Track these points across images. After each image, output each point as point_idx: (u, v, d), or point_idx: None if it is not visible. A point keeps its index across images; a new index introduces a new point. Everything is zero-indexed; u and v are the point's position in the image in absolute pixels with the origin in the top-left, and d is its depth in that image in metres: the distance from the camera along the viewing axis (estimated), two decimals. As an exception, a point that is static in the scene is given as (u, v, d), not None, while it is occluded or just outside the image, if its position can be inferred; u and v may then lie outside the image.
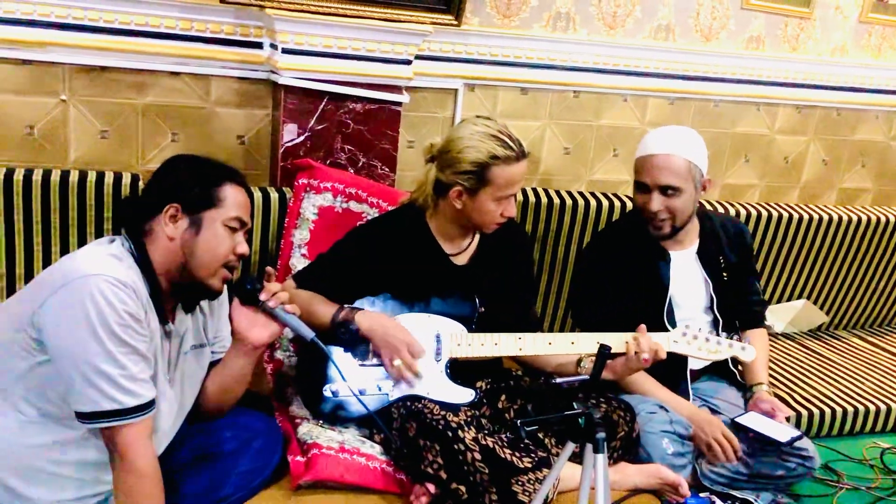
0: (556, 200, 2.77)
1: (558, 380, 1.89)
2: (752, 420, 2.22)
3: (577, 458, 1.67)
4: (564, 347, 2.08)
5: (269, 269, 1.82)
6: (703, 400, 2.38)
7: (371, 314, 2.04)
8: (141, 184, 2.26)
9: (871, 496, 2.44)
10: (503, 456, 1.82)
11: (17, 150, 2.34)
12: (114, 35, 2.31)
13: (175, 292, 1.67)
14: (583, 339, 2.08)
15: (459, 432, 1.83)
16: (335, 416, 2.03)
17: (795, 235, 3.16)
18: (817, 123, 3.43)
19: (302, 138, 2.47)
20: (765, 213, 3.09)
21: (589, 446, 1.54)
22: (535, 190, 2.77)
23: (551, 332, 2.63)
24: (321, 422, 2.02)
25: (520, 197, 2.65)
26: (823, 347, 3.22)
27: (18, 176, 2.17)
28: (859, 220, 3.23)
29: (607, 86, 2.97)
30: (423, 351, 2.02)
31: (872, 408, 2.74)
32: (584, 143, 3.04)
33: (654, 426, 2.13)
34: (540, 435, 2.01)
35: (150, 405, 1.53)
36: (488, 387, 2.16)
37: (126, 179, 2.26)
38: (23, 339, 1.49)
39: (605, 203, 2.83)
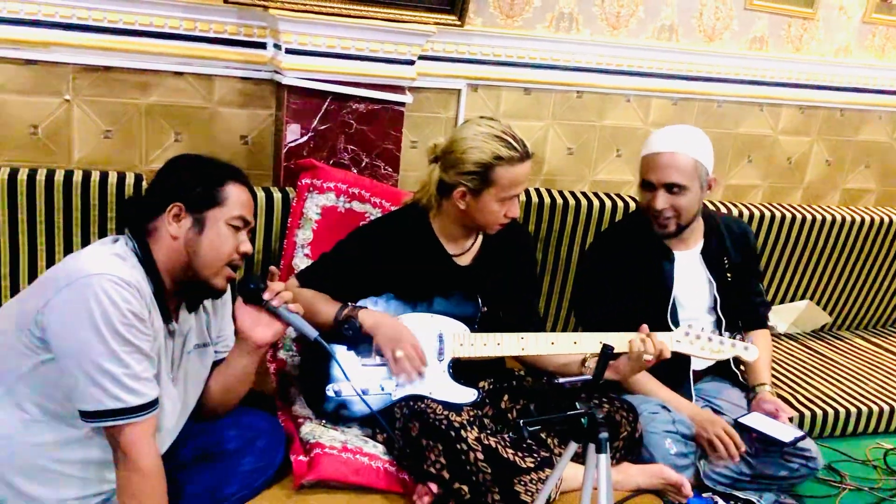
0: (560, 201, 2.77)
1: (561, 380, 1.88)
2: (755, 420, 2.22)
3: (579, 458, 1.66)
4: (567, 347, 2.08)
5: (272, 268, 1.81)
6: (706, 400, 2.38)
7: (374, 313, 2.04)
8: (144, 183, 2.26)
9: (875, 497, 2.44)
10: (506, 456, 1.82)
11: (20, 149, 2.34)
12: (117, 35, 2.31)
13: (179, 291, 1.67)
14: (586, 339, 2.08)
15: (462, 432, 1.83)
16: (338, 415, 2.03)
17: (798, 236, 3.15)
18: (821, 124, 3.42)
19: (305, 138, 2.47)
20: (768, 214, 3.08)
21: (591, 446, 1.54)
22: (538, 190, 2.77)
23: (554, 332, 2.62)
24: (324, 421, 2.02)
25: (523, 197, 2.65)
26: (826, 348, 3.22)
27: (22, 176, 2.18)
28: (863, 220, 3.22)
29: (610, 86, 2.97)
30: (424, 356, 2.02)
31: (876, 409, 2.74)
32: (587, 143, 3.04)
33: (657, 426, 2.13)
34: (542, 435, 2.01)
35: (153, 404, 1.54)
36: (491, 387, 2.16)
37: (129, 179, 2.27)
38: (27, 338, 1.50)
39: (609, 203, 2.83)
